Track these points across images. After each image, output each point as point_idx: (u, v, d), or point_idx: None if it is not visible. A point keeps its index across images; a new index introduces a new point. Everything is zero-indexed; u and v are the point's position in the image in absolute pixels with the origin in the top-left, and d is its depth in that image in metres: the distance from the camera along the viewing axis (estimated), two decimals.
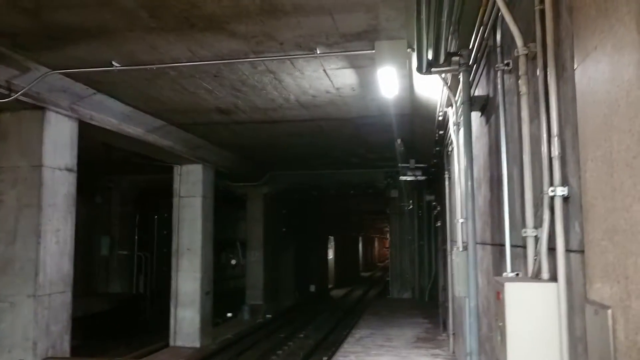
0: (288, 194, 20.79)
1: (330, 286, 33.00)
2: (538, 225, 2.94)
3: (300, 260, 24.74)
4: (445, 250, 11.72)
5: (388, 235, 23.20)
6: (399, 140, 11.67)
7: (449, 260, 9.82)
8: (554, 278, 2.67)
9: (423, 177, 14.07)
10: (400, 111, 9.87)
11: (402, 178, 14.25)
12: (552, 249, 2.71)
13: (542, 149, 2.76)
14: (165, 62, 7.29)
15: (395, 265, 20.47)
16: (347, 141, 13.17)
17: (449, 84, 6.76)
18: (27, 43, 6.66)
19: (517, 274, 3.47)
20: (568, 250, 2.51)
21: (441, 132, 9.55)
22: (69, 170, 8.46)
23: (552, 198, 2.63)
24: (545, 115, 2.75)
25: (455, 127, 6.99)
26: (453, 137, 7.33)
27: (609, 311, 1.91)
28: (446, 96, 7.40)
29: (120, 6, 5.66)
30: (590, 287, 2.16)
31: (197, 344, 13.15)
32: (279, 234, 20.84)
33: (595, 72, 2.08)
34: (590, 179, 2.13)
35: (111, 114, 9.32)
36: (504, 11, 3.36)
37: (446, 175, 9.91)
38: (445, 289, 12.17)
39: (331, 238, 35.19)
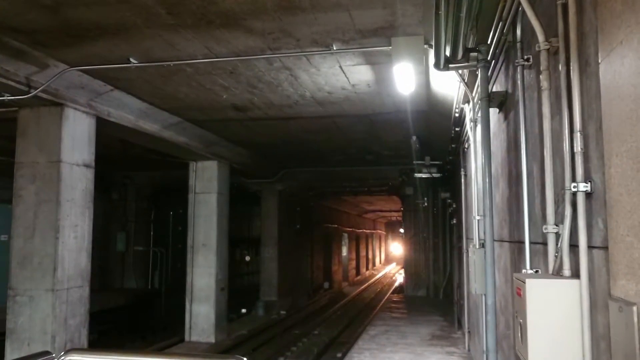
0: (302, 191, 20.81)
1: (344, 283, 33.00)
2: (559, 221, 2.92)
3: (314, 257, 24.74)
4: (460, 248, 11.68)
5: (402, 233, 23.14)
6: (414, 137, 11.63)
7: (464, 257, 9.79)
8: (575, 275, 2.66)
9: (438, 175, 14.01)
10: (416, 108, 9.83)
11: (417, 175, 14.19)
12: (573, 246, 2.68)
13: (564, 145, 2.74)
14: (182, 59, 7.33)
15: (410, 263, 20.43)
16: (362, 138, 13.14)
17: (466, 80, 6.72)
18: (46, 40, 6.72)
19: (537, 271, 3.45)
20: (591, 247, 2.48)
21: (457, 129, 9.50)
22: (87, 166, 8.54)
23: (574, 194, 2.60)
24: (568, 111, 2.72)
25: (472, 123, 6.95)
26: (470, 134, 7.29)
27: (634, 308, 1.89)
28: (463, 93, 7.36)
29: (139, 3, 5.69)
30: (614, 283, 2.14)
31: (212, 340, 13.25)
32: (293, 230, 20.88)
33: (621, 66, 2.05)
34: (616, 175, 2.11)
35: (128, 111, 9.39)
36: (526, 6, 3.33)
37: (462, 173, 9.87)
38: (460, 286, 12.13)
39: (345, 235, 35.18)
